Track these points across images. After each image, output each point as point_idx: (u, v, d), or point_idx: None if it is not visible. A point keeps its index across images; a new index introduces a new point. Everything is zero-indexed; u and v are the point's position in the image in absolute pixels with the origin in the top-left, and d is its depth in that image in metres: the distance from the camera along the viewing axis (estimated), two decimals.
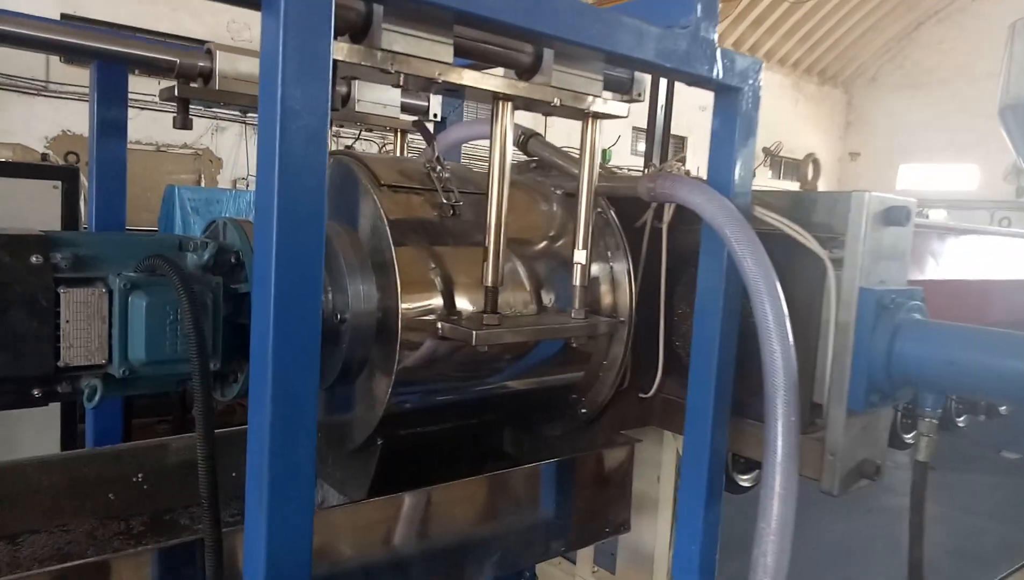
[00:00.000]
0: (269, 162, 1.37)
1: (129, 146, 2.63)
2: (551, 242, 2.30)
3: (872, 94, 22.77)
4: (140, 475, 2.27)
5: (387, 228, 1.91)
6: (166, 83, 2.30)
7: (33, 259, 1.60)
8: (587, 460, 2.37)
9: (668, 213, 2.41)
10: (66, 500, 2.15)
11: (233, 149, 12.02)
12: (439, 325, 1.92)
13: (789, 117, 20.47)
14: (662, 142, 7.21)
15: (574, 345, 2.19)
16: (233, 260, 1.87)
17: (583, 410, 2.44)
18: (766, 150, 19.83)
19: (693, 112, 10.48)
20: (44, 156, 5.21)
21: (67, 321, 1.62)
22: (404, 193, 2.03)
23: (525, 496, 2.24)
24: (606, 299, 2.30)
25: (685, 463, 2.20)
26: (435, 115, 2.87)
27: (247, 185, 11.51)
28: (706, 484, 2.10)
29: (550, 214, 2.37)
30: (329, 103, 1.40)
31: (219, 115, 11.24)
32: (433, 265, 1.99)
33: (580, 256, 2.06)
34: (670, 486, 2.69)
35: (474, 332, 1.83)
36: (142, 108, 8.18)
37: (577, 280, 2.07)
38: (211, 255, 1.80)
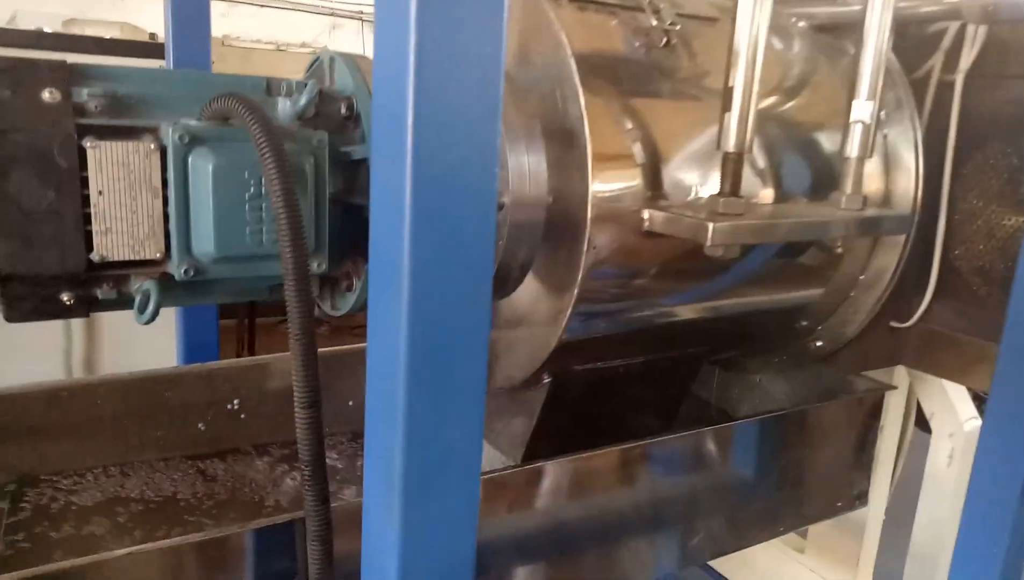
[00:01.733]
0: None
1: (248, 45, 2.07)
2: (791, 96, 1.56)
3: None
4: (236, 401, 1.78)
5: (572, 67, 1.24)
6: None
7: (46, 95, 1.04)
8: (827, 412, 1.69)
9: (967, 58, 1.62)
10: (143, 429, 1.69)
11: (350, 48, 11.59)
12: (646, 215, 1.26)
13: None
14: None
15: (838, 249, 1.47)
16: (344, 110, 1.25)
17: (818, 343, 1.75)
18: None
19: None
20: (152, 35, 4.76)
21: (99, 192, 1.07)
22: (595, 12, 1.33)
23: (742, 458, 1.60)
24: (874, 182, 1.56)
25: (988, 430, 1.49)
26: None
27: None
28: None
29: (790, 55, 1.62)
30: None
31: (336, 11, 10.77)
32: (633, 124, 1.31)
33: (862, 110, 1.32)
34: (892, 443, 1.99)
35: (710, 226, 1.15)
36: (261, 6, 7.81)
37: (854, 149, 1.34)
38: (310, 100, 1.19)
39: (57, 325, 3.75)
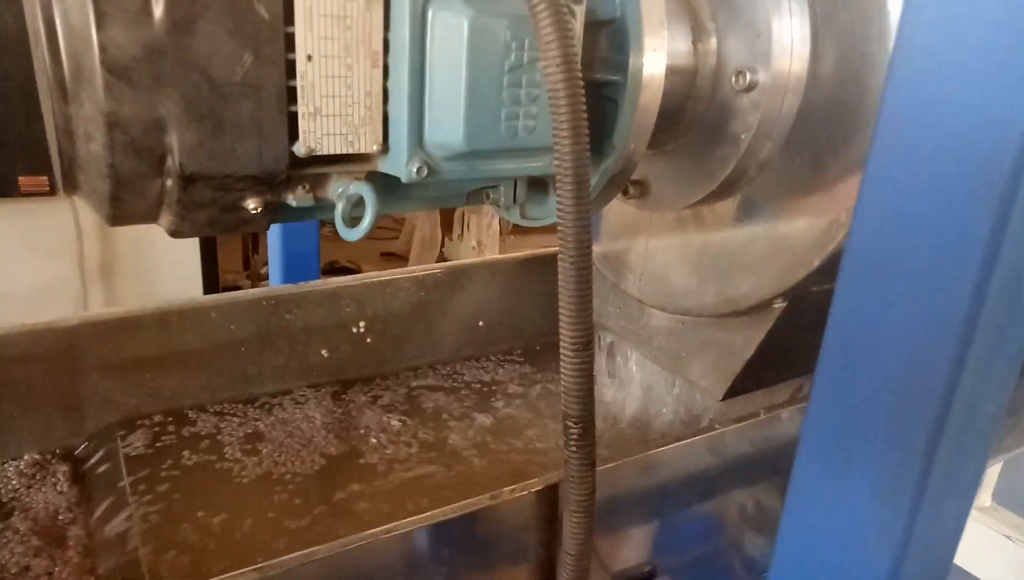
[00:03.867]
0: None
1: None
2: None
3: None
4: (362, 324, 1.52)
5: None
6: None
7: None
8: None
9: None
10: (256, 356, 1.43)
11: None
12: None
13: None
14: None
15: None
16: None
17: None
18: None
19: None
20: None
21: (308, 56, 0.76)
22: None
23: None
24: None
25: None
26: None
27: None
28: None
29: None
30: None
31: None
32: None
33: None
34: None
35: None
36: None
37: None
38: None
39: (68, 224, 3.43)
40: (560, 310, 0.84)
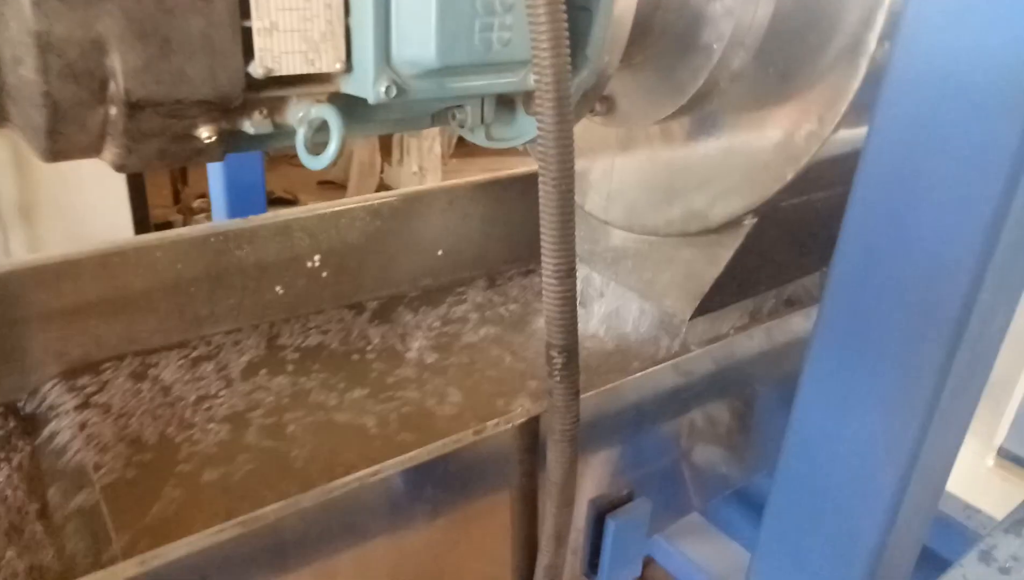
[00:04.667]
0: None
1: None
2: None
3: None
4: (317, 258, 1.45)
5: None
6: None
7: None
8: None
9: None
10: (207, 296, 1.36)
11: None
12: None
13: None
14: None
15: None
16: None
17: None
18: None
19: None
20: None
21: None
22: None
23: None
24: None
25: None
26: None
27: None
28: None
29: None
30: None
31: None
32: None
33: None
34: None
35: None
36: None
37: None
38: None
39: None
40: (542, 236, 0.80)
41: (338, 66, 0.76)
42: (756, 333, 1.30)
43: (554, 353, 0.84)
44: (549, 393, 0.86)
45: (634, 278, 1.39)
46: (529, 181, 1.66)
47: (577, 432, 0.87)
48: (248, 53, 0.71)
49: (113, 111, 0.68)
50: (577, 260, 1.56)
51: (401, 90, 0.77)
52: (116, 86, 0.66)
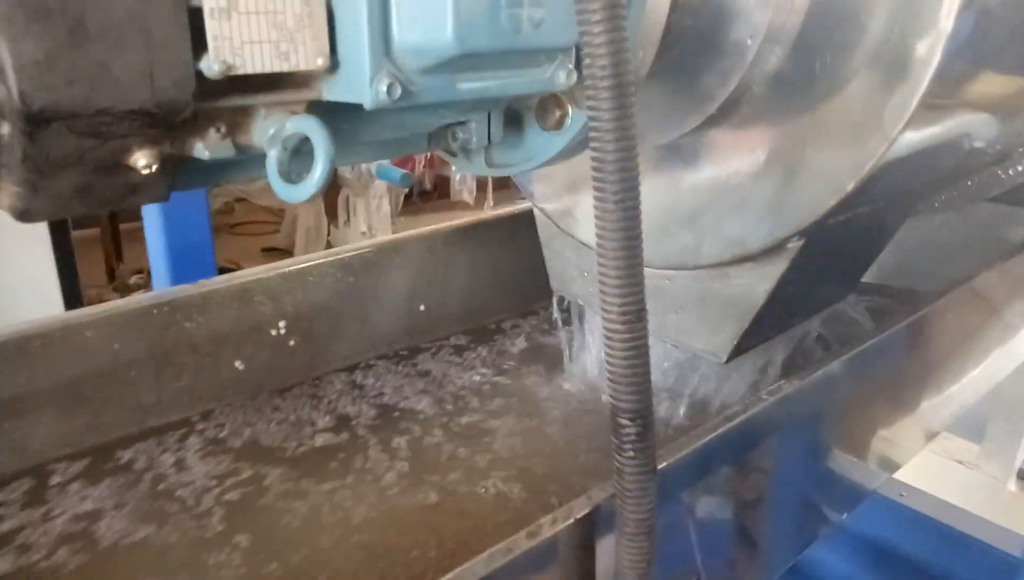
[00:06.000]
0: None
1: None
2: None
3: None
4: (282, 325, 1.24)
5: None
6: None
7: None
8: None
9: None
10: (152, 380, 1.13)
11: None
12: None
13: None
14: None
15: None
16: None
17: None
18: None
19: None
20: None
21: None
22: None
23: None
24: None
25: None
26: None
27: None
28: None
29: None
30: None
31: None
32: None
33: None
34: None
35: None
36: None
37: None
38: None
39: None
40: (599, 270, 0.61)
41: (320, 62, 0.57)
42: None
43: (624, 419, 0.64)
44: (617, 473, 0.66)
45: (655, 321, 1.21)
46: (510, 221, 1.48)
47: (655, 521, 0.67)
48: (199, 44, 0.51)
49: (5, 129, 0.47)
50: (577, 301, 1.37)
51: (406, 90, 0.58)
52: (6, 90, 0.45)
